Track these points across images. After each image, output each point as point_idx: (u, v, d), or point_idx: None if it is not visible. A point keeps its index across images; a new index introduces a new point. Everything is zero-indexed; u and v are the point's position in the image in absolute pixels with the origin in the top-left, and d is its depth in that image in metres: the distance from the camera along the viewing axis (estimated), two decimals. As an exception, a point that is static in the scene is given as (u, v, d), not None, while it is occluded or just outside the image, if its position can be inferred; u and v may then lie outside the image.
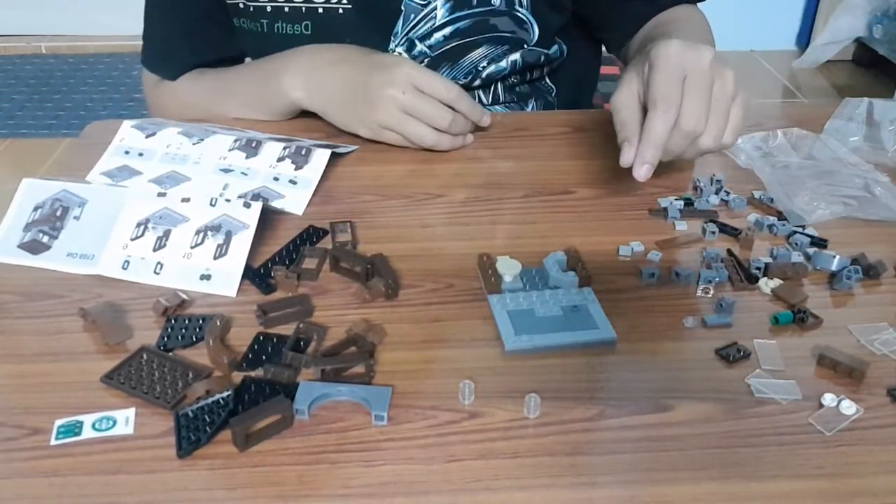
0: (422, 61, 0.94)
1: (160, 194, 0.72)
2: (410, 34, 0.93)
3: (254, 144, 0.82)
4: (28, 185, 0.74)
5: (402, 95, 0.81)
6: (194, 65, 0.99)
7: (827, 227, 0.73)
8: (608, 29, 1.04)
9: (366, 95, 0.82)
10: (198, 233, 0.69)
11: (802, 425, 0.53)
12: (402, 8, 0.92)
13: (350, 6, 0.91)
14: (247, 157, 0.81)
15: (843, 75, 3.21)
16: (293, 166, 0.80)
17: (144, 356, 0.58)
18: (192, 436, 0.51)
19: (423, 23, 0.93)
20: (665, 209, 0.75)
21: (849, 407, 0.53)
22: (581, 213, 0.76)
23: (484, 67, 0.96)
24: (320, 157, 0.81)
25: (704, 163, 0.84)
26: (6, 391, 0.56)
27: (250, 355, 0.58)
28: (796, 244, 0.70)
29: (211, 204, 0.70)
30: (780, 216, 0.75)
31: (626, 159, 0.69)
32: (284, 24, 0.93)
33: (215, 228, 0.69)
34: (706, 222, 0.73)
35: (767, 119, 0.93)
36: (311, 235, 0.72)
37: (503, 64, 0.97)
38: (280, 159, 0.80)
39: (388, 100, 0.81)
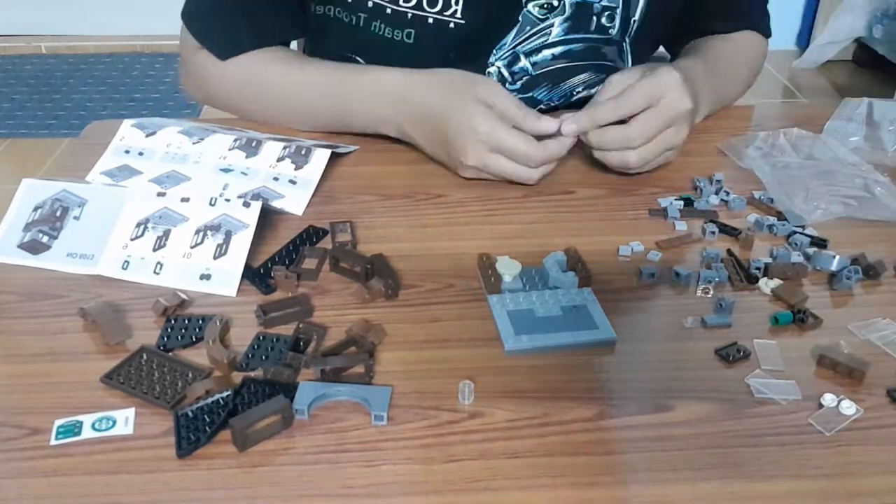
0: (521, 78, 0.92)
1: (160, 194, 0.72)
2: (518, 48, 0.91)
3: (254, 144, 0.82)
4: (28, 185, 0.74)
5: (482, 133, 0.75)
6: (248, 48, 0.89)
7: (827, 227, 0.73)
8: (677, 42, 1.03)
9: (448, 141, 0.78)
10: (197, 232, 0.69)
11: (802, 425, 0.53)
12: (520, 19, 0.89)
13: (463, 21, 0.86)
14: (247, 157, 0.81)
15: (843, 75, 3.21)
16: (293, 166, 0.80)
17: (144, 356, 0.58)
18: (191, 436, 0.51)
19: (535, 37, 0.90)
20: (665, 209, 0.75)
21: (848, 407, 0.53)
22: (581, 213, 0.76)
23: (578, 93, 0.95)
24: (320, 157, 0.80)
25: (704, 163, 0.84)
26: (6, 391, 0.56)
27: (250, 355, 0.58)
28: (796, 244, 0.70)
29: (210, 204, 0.70)
30: (780, 216, 0.75)
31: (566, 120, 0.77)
32: (384, 26, 0.88)
33: (215, 228, 0.69)
34: (706, 222, 0.73)
35: (767, 119, 0.93)
36: (310, 235, 0.72)
37: (594, 91, 0.93)
38: (280, 159, 0.80)
39: (470, 141, 0.76)
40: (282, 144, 0.82)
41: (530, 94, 0.94)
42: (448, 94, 0.79)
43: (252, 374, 0.56)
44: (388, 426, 0.52)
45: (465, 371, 0.57)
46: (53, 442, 0.51)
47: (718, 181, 0.79)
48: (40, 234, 0.70)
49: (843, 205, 0.76)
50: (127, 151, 0.82)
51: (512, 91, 0.91)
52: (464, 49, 0.88)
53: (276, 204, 0.76)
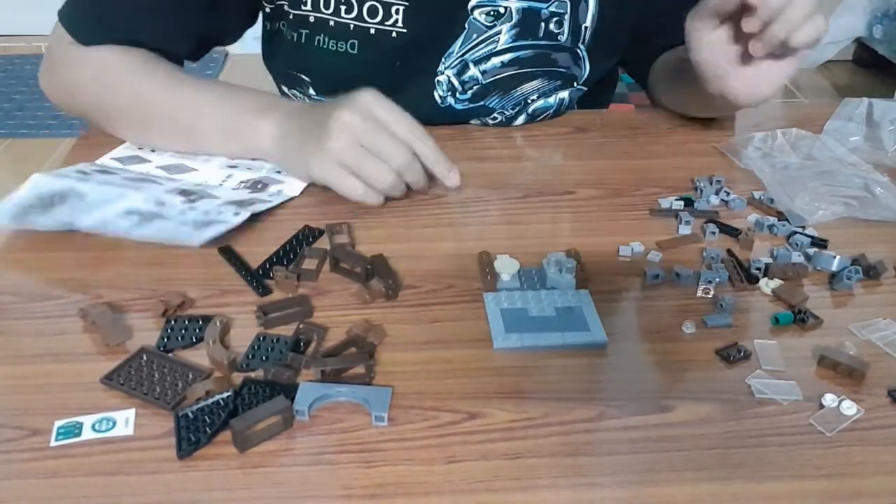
0: (471, 87, 0.90)
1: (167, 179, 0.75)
2: (466, 56, 0.89)
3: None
4: (35, 180, 0.72)
5: (361, 122, 0.72)
6: (121, 41, 0.83)
7: (827, 228, 0.73)
8: (636, 61, 1.01)
9: (322, 125, 0.74)
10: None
11: (803, 426, 0.53)
12: (466, 27, 0.87)
13: (405, 31, 0.85)
14: (253, 158, 0.83)
15: (843, 75, 3.21)
16: None
17: (144, 357, 0.58)
18: (192, 437, 0.51)
19: (483, 45, 0.88)
20: (676, 212, 0.75)
21: (849, 407, 0.53)
22: (581, 214, 0.76)
23: (532, 101, 0.93)
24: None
25: (704, 163, 0.84)
26: (6, 392, 0.56)
27: (250, 356, 0.58)
28: (796, 244, 0.70)
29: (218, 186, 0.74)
30: (781, 216, 0.75)
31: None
32: (328, 39, 0.87)
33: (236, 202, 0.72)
34: (706, 222, 0.73)
35: (767, 119, 0.93)
36: (306, 236, 0.72)
37: (551, 101, 0.93)
38: None
39: (344, 125, 0.72)
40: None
41: (482, 103, 0.92)
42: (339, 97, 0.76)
43: (252, 374, 0.56)
44: (388, 427, 0.52)
45: (466, 371, 0.57)
46: (53, 443, 0.51)
47: (718, 181, 0.79)
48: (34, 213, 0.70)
49: (844, 205, 0.76)
50: (140, 147, 0.86)
51: (462, 100, 0.91)
52: (409, 58, 0.88)
53: (273, 189, 0.78)
